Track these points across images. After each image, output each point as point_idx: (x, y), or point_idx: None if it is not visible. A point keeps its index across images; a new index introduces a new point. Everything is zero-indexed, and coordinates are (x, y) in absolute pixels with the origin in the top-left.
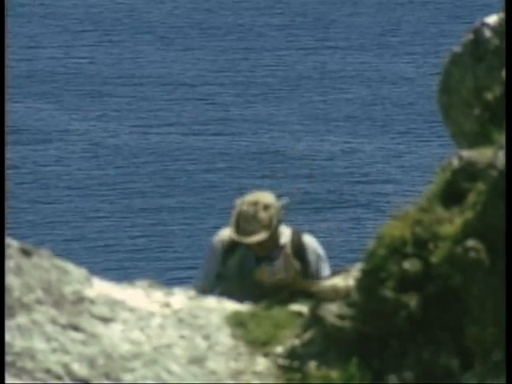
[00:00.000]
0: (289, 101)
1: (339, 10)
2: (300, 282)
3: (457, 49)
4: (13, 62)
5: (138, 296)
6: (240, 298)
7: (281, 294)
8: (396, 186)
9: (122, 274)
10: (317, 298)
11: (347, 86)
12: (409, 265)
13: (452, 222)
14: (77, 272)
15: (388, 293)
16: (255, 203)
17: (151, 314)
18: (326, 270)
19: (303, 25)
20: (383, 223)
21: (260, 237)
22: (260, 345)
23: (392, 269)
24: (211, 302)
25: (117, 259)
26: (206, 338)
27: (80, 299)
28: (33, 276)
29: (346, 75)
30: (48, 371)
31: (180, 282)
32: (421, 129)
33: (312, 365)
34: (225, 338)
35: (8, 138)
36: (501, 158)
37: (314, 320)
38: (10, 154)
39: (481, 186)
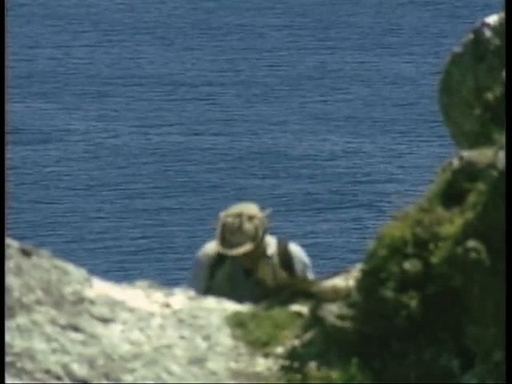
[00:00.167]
0: (290, 101)
1: (340, 10)
2: (300, 283)
3: (457, 49)
4: (13, 62)
5: (138, 296)
6: None
7: (281, 294)
8: (397, 186)
9: (122, 275)
10: (317, 299)
11: (348, 85)
12: (409, 265)
13: (452, 223)
14: (77, 272)
15: (388, 293)
16: (239, 215)
17: (151, 315)
18: (311, 277)
19: (304, 25)
20: (384, 223)
21: (246, 248)
22: (260, 345)
23: (392, 269)
24: (211, 302)
25: (117, 260)
26: (206, 338)
27: (80, 300)
28: (33, 276)
29: (346, 75)
30: (48, 372)
31: (180, 282)
32: (422, 129)
33: (312, 365)
34: (225, 338)
35: (8, 138)
36: (501, 158)
37: (315, 320)
38: (10, 154)
39: (481, 186)
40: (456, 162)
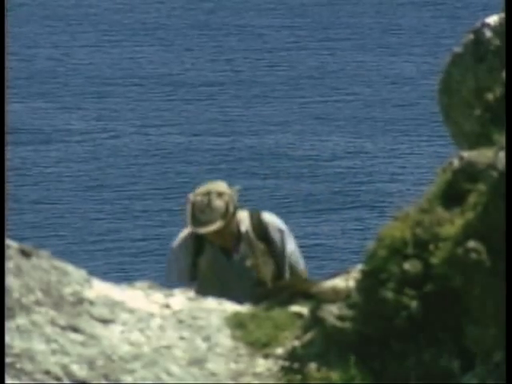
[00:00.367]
0: (290, 101)
1: (340, 10)
2: (300, 284)
3: (457, 49)
4: (13, 62)
5: (138, 297)
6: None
7: (281, 295)
8: (399, 186)
9: (122, 276)
10: (317, 299)
11: (348, 86)
12: (409, 266)
13: (452, 223)
14: (76, 273)
15: (388, 294)
16: (208, 193)
17: (151, 315)
18: (291, 242)
19: (304, 25)
20: (385, 224)
21: (217, 225)
22: (260, 346)
23: (392, 270)
24: (211, 303)
25: (117, 262)
26: (206, 339)
27: (79, 300)
28: (32, 277)
29: (347, 75)
30: (47, 372)
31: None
32: (423, 129)
33: (312, 366)
34: (225, 339)
35: (8, 138)
36: (501, 158)
37: (315, 321)
38: (10, 154)
39: (481, 186)
40: (456, 163)
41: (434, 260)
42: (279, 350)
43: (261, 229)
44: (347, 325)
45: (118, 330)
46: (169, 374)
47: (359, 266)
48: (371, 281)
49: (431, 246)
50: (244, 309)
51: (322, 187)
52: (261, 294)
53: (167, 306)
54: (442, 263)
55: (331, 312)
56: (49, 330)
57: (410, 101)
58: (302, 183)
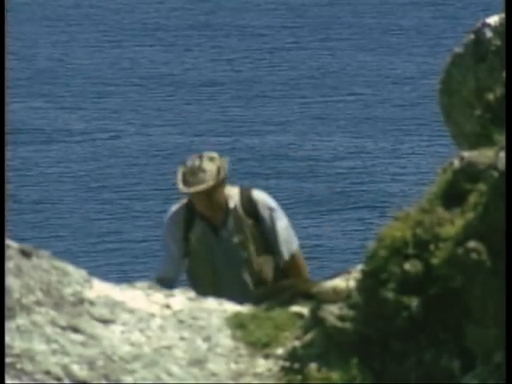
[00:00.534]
0: (291, 101)
1: (340, 10)
2: (301, 284)
3: (458, 49)
4: (13, 62)
5: (138, 297)
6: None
7: (281, 295)
8: (401, 186)
9: (122, 277)
10: (317, 300)
11: (350, 86)
12: (410, 266)
13: (453, 223)
14: (77, 273)
15: (389, 294)
16: (200, 156)
17: (151, 316)
18: (281, 219)
19: (305, 25)
20: (386, 224)
21: (207, 185)
22: (261, 346)
23: (393, 270)
24: (211, 303)
25: (118, 263)
26: (207, 339)
27: (80, 301)
28: (32, 277)
29: (348, 75)
30: (48, 373)
31: (180, 284)
32: (424, 129)
33: (313, 366)
34: (225, 339)
35: (8, 138)
36: (502, 158)
37: (315, 321)
38: (10, 154)
39: (482, 186)
40: (456, 163)
41: (435, 260)
42: (280, 351)
43: (250, 206)
44: (348, 325)
45: (118, 330)
46: (169, 374)
47: (360, 266)
48: (372, 281)
49: (432, 246)
50: (244, 309)
51: (324, 188)
52: (261, 294)
53: (167, 307)
54: (443, 263)
55: (332, 312)
56: (49, 330)
57: (410, 101)
58: (303, 183)
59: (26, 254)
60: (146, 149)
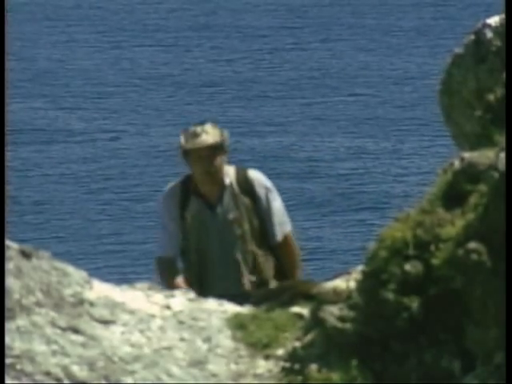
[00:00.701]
0: (292, 102)
1: (341, 10)
2: (301, 285)
3: (458, 50)
4: (13, 62)
5: (138, 298)
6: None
7: (282, 296)
8: (403, 187)
9: (122, 279)
10: (318, 300)
11: (350, 86)
12: (410, 267)
13: (453, 224)
14: (77, 274)
15: (389, 295)
16: (202, 122)
17: (151, 317)
18: (276, 200)
19: (305, 26)
20: (386, 225)
21: (214, 139)
22: (261, 347)
23: (393, 271)
24: (212, 304)
25: (118, 264)
26: (207, 340)
27: (80, 301)
28: (32, 278)
29: (348, 76)
30: (48, 374)
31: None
32: (426, 130)
33: (313, 367)
34: (225, 340)
35: (9, 138)
36: (502, 159)
37: (315, 322)
38: (10, 155)
39: (482, 187)
40: (457, 164)
41: (435, 261)
42: (280, 351)
43: (246, 184)
44: (348, 326)
45: (118, 331)
46: (169, 375)
47: (360, 267)
48: (372, 282)
49: (432, 247)
50: (245, 310)
51: (325, 189)
52: (262, 294)
53: (168, 307)
54: (443, 264)
55: (332, 313)
56: (49, 331)
57: (411, 101)
58: (303, 184)
59: (26, 255)
60: (146, 150)
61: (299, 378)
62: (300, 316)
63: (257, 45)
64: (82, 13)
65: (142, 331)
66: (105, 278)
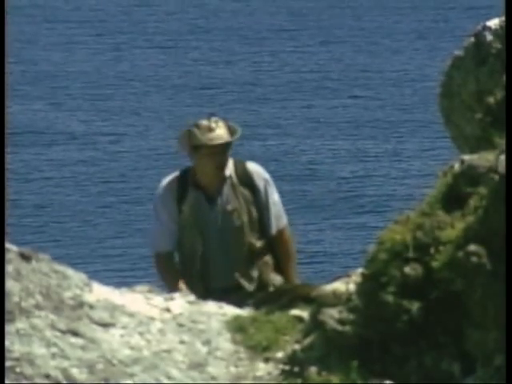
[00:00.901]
0: (292, 104)
1: (341, 13)
2: (301, 287)
3: (458, 52)
4: (13, 64)
5: (138, 301)
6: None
7: (281, 299)
8: (404, 190)
9: (122, 282)
10: (317, 303)
11: (351, 88)
12: (410, 269)
13: (453, 227)
14: (76, 277)
15: (389, 297)
16: (210, 116)
17: (151, 319)
18: (274, 193)
19: (305, 28)
20: (386, 227)
21: (229, 135)
22: (260, 350)
23: (393, 273)
24: (211, 306)
25: (118, 268)
26: (206, 343)
27: (79, 304)
28: (32, 281)
29: (349, 78)
30: (47, 376)
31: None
32: (426, 131)
33: (313, 370)
34: (225, 343)
35: (8, 141)
36: (502, 162)
37: (315, 325)
38: (10, 158)
39: (482, 190)
40: (457, 166)
41: (435, 263)
42: (280, 354)
43: (245, 176)
44: (348, 328)
45: (118, 333)
46: (169, 377)
47: (360, 270)
48: (372, 284)
49: (432, 250)
50: (244, 312)
51: (325, 192)
52: (261, 298)
53: (167, 310)
54: (443, 267)
55: (332, 315)
56: (49, 333)
57: (412, 104)
58: (304, 186)
59: (25, 258)
60: (146, 153)
61: (299, 381)
62: (300, 319)
63: (257, 47)
64: (81, 15)
65: (141, 334)
66: (104, 282)
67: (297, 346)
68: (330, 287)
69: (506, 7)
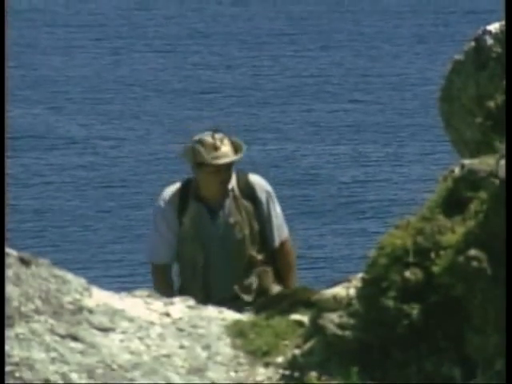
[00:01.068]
0: (292, 109)
1: (341, 17)
2: (301, 292)
3: (459, 56)
4: (13, 69)
5: (138, 305)
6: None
7: (282, 303)
8: (404, 195)
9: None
10: (318, 308)
11: (351, 93)
12: (410, 274)
13: (454, 231)
14: (76, 281)
15: (389, 302)
16: (214, 132)
17: (151, 324)
18: (276, 205)
19: (305, 33)
20: (386, 232)
21: (239, 156)
22: (260, 355)
23: (393, 278)
24: (211, 311)
25: (117, 274)
26: (206, 347)
27: (79, 309)
28: (32, 285)
29: (349, 82)
30: (47, 381)
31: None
32: (427, 135)
33: (313, 374)
34: (225, 347)
35: (8, 145)
36: (502, 166)
37: (315, 329)
38: (10, 162)
39: (483, 194)
40: (457, 171)
41: (435, 268)
42: (280, 359)
43: (248, 189)
44: (348, 333)
45: (117, 338)
46: (169, 382)
47: (360, 275)
48: (372, 289)
49: (432, 254)
50: (244, 317)
51: (326, 196)
52: (261, 302)
53: (167, 315)
54: (443, 271)
55: (332, 320)
56: (48, 338)
57: (412, 108)
58: (304, 191)
59: (25, 262)
60: (146, 157)
61: None
62: (300, 323)
63: (256, 52)
64: (81, 19)
65: (141, 339)
66: (104, 287)
67: (297, 351)
68: (330, 292)
69: (506, 11)
